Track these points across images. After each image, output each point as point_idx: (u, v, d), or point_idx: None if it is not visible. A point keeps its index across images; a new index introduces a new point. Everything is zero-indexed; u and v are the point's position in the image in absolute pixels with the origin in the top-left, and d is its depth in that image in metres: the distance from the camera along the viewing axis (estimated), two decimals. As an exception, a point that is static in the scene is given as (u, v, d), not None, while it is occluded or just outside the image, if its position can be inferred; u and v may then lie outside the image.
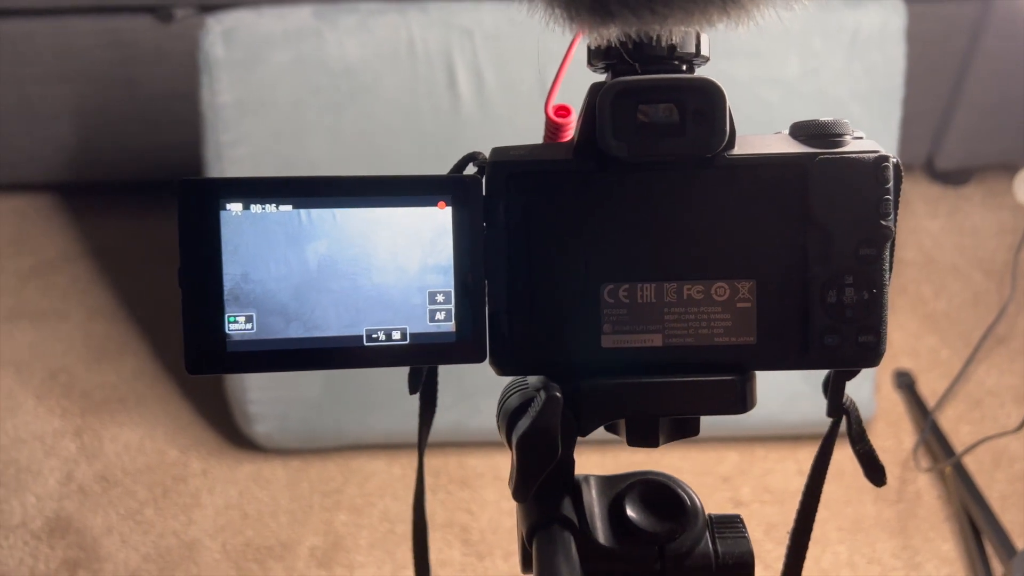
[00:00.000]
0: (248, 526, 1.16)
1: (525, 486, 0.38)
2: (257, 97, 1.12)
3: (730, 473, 1.23)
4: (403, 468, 1.23)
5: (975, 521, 1.12)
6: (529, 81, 1.15)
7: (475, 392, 1.19)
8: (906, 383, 1.33)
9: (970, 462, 1.20)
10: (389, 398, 1.20)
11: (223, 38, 1.10)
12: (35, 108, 1.49)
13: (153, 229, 1.58)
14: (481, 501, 1.19)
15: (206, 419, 1.29)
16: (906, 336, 1.43)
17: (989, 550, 1.11)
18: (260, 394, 1.19)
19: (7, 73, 1.45)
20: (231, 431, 1.26)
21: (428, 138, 1.14)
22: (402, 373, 1.32)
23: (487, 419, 1.20)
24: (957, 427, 1.28)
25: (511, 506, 1.22)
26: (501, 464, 1.23)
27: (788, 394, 1.20)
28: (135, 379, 1.35)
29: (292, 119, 1.13)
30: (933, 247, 1.58)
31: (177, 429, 1.28)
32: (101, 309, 1.45)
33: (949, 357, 1.39)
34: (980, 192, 1.70)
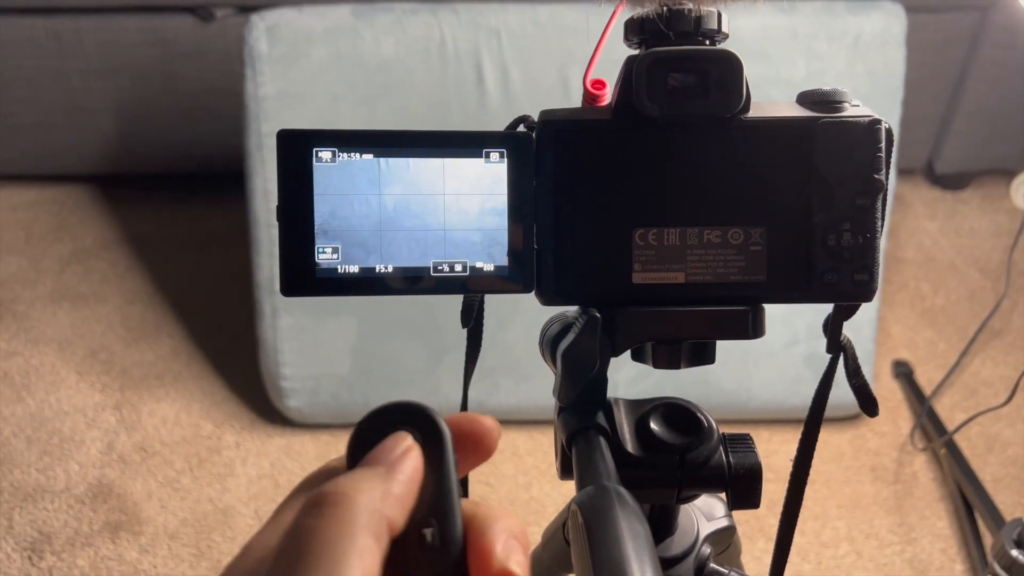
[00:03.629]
0: (280, 495, 1.23)
1: (569, 391, 0.45)
2: (297, 90, 1.20)
3: (736, 454, 1.29)
4: (425, 444, 1.30)
5: (967, 497, 1.18)
6: (551, 78, 1.22)
7: (494, 371, 1.26)
8: (904, 372, 1.39)
9: (965, 446, 1.27)
10: (414, 376, 1.27)
11: (267, 34, 1.18)
12: (79, 102, 1.56)
13: (187, 218, 1.65)
14: (499, 475, 1.26)
15: (239, 396, 1.36)
16: (904, 329, 1.49)
17: (981, 526, 1.17)
18: (292, 370, 1.26)
19: (54, 68, 1.52)
20: (263, 407, 1.33)
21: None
22: (424, 355, 1.39)
23: (505, 397, 1.27)
24: (952, 414, 1.34)
25: (527, 480, 1.29)
26: (519, 441, 1.30)
27: (791, 379, 1.27)
28: (171, 358, 1.42)
29: (329, 111, 1.20)
30: (932, 247, 1.65)
31: (212, 405, 1.35)
32: (138, 293, 1.52)
33: (946, 350, 1.45)
34: (978, 196, 1.76)
